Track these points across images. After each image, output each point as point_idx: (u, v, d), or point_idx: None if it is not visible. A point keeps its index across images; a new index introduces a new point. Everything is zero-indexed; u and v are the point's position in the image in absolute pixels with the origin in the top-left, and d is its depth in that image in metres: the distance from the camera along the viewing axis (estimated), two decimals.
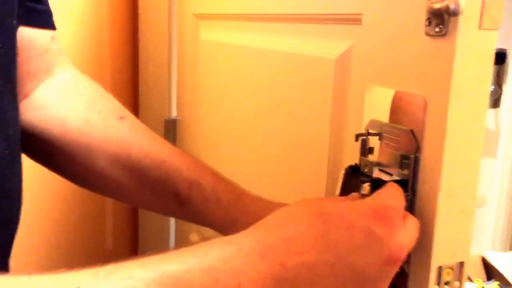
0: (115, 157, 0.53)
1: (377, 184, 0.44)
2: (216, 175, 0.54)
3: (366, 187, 0.45)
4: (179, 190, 0.52)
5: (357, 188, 0.46)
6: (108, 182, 0.54)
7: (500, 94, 1.55)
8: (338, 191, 0.51)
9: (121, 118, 0.55)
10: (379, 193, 0.41)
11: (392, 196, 0.40)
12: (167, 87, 1.05)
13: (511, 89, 1.58)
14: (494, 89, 1.53)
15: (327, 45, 0.57)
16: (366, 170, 0.48)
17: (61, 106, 0.54)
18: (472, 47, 0.38)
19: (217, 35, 0.86)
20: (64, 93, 0.55)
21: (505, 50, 1.52)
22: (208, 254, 0.33)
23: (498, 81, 1.53)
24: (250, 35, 0.75)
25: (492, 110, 1.59)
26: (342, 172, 0.50)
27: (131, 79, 1.18)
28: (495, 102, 1.56)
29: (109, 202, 1.19)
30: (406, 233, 0.38)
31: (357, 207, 0.37)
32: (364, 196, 0.44)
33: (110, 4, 1.11)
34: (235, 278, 0.32)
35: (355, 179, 0.48)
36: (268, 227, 0.36)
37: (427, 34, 0.40)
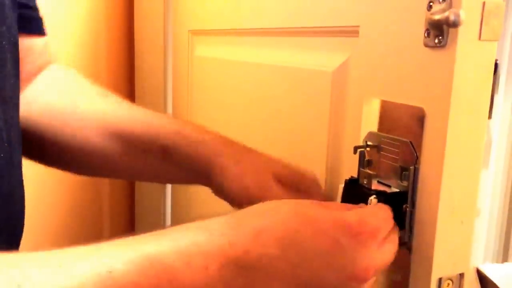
0: (104, 128, 0.55)
1: (383, 197, 0.44)
2: (198, 125, 0.58)
3: (373, 200, 0.44)
4: (166, 142, 0.54)
5: (358, 201, 0.45)
6: (102, 156, 0.56)
7: (492, 105, 1.55)
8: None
9: (105, 95, 0.58)
10: (363, 209, 0.41)
11: (375, 215, 0.39)
12: (162, 102, 1.05)
13: (503, 100, 1.59)
14: None
15: (324, 58, 0.56)
16: (365, 182, 0.48)
17: (47, 92, 0.56)
18: (472, 58, 0.38)
19: (212, 51, 0.86)
20: (49, 81, 0.57)
21: (496, 59, 1.53)
22: (183, 238, 0.34)
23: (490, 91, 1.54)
24: (246, 50, 0.74)
25: None
26: (341, 185, 0.49)
27: (127, 95, 1.17)
28: (488, 112, 1.56)
29: (105, 205, 1.18)
30: (378, 254, 0.38)
31: (335, 217, 0.37)
32: None
33: (106, 21, 1.10)
34: (204, 261, 0.33)
35: (355, 192, 0.47)
36: (248, 215, 0.37)
37: (426, 46, 0.40)
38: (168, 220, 1.11)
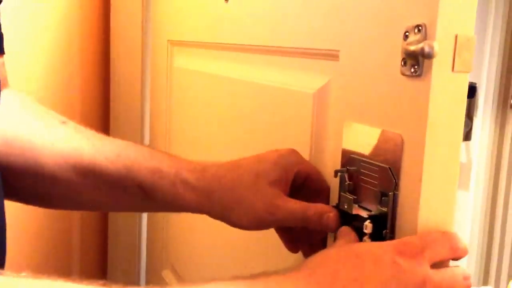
0: (64, 160, 0.52)
1: (377, 220, 0.45)
2: (174, 158, 0.55)
3: (368, 225, 0.46)
4: (142, 180, 0.52)
5: (354, 228, 0.47)
6: (63, 189, 0.53)
7: (471, 127, 1.60)
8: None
9: (63, 122, 0.55)
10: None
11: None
12: (140, 115, 1.04)
13: (481, 122, 1.64)
14: (465, 122, 1.57)
15: (305, 79, 0.58)
16: (345, 207, 0.49)
17: (1, 120, 0.53)
18: (446, 88, 0.40)
19: (192, 63, 0.86)
20: (4, 108, 0.54)
21: (475, 84, 1.58)
22: None
23: (469, 114, 1.58)
24: (228, 64, 0.75)
25: (463, 143, 1.64)
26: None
27: (102, 106, 1.17)
28: (466, 135, 1.61)
29: (76, 238, 1.17)
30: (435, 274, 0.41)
31: (380, 244, 0.42)
32: (365, 234, 0.46)
33: (81, 28, 1.10)
34: None
35: (347, 217, 0.49)
36: (309, 272, 0.41)
37: (403, 74, 0.42)
38: (143, 265, 1.10)
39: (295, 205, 0.50)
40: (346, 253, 0.43)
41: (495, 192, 1.74)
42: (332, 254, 0.43)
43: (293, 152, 0.54)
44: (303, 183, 0.54)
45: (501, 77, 1.67)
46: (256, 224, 0.51)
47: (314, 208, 0.50)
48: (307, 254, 0.55)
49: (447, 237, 0.43)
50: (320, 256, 0.43)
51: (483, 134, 1.66)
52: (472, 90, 1.56)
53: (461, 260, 0.46)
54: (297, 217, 0.50)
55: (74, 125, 0.55)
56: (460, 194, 1.68)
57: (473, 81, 1.57)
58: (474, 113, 1.59)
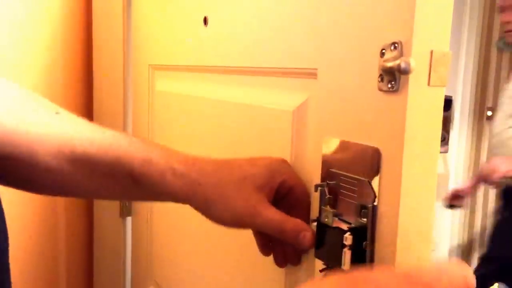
0: (58, 150, 0.52)
1: (357, 232, 0.45)
2: (166, 148, 0.55)
3: (348, 237, 0.45)
4: (132, 169, 0.52)
5: (334, 239, 0.47)
6: (56, 178, 0.53)
7: (448, 140, 1.62)
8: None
9: (57, 113, 0.55)
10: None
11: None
12: None
13: (457, 135, 1.66)
14: (442, 135, 1.59)
15: (285, 97, 0.58)
16: (326, 220, 0.49)
17: None
18: (422, 102, 0.41)
19: (173, 86, 0.87)
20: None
21: (451, 97, 1.61)
22: None
23: (445, 127, 1.60)
24: (208, 86, 0.76)
25: (441, 155, 1.66)
26: (314, 224, 0.51)
27: None
28: (444, 147, 1.62)
29: (62, 253, 1.15)
30: None
31: (388, 273, 0.39)
32: (345, 246, 0.45)
33: (63, 52, 1.10)
34: None
35: (329, 230, 0.49)
36: None
37: (380, 90, 0.43)
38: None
39: (275, 215, 0.51)
40: (348, 281, 0.39)
41: (472, 202, 1.76)
42: (333, 282, 0.40)
43: (283, 161, 0.55)
44: (287, 194, 0.54)
45: (476, 90, 1.70)
46: (234, 222, 0.52)
47: (293, 223, 0.51)
48: (278, 261, 0.56)
49: (462, 269, 0.39)
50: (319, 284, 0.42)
51: (460, 145, 1.69)
52: (448, 103, 1.58)
53: None
54: (274, 227, 0.51)
55: (68, 115, 0.55)
56: (439, 205, 1.70)
57: (449, 94, 1.60)
58: (451, 125, 1.61)
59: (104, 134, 0.54)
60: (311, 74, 0.52)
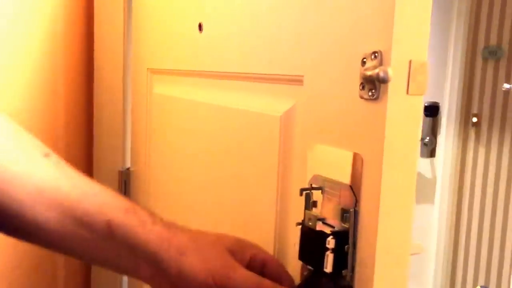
0: (38, 192, 0.47)
1: (340, 236, 0.45)
2: (143, 208, 0.52)
3: (331, 241, 0.45)
4: (113, 217, 0.48)
5: (317, 243, 0.47)
6: (33, 225, 0.48)
7: (435, 145, 1.62)
8: (297, 247, 0.51)
9: (46, 155, 0.50)
10: None
11: None
12: (121, 138, 1.04)
13: (444, 139, 1.66)
14: (430, 139, 1.60)
15: (273, 103, 0.58)
16: (310, 224, 0.49)
17: None
18: (401, 110, 0.41)
19: (170, 89, 0.87)
20: None
21: (438, 103, 1.61)
22: None
23: (433, 132, 1.61)
24: (201, 90, 0.76)
25: (428, 160, 1.66)
26: (299, 227, 0.50)
27: (85, 131, 1.16)
28: (431, 152, 1.63)
29: (60, 267, 1.15)
30: None
31: None
32: (328, 249, 0.45)
33: (65, 57, 1.10)
34: None
35: (312, 234, 0.49)
36: None
37: (361, 97, 0.43)
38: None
39: (252, 273, 0.49)
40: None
41: (459, 205, 1.76)
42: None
43: (249, 241, 0.54)
44: (262, 269, 0.52)
45: (462, 97, 1.71)
46: (208, 275, 0.48)
47: (271, 282, 0.49)
48: None
49: None
50: None
51: (446, 150, 1.69)
52: (435, 110, 1.58)
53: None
54: (251, 283, 0.48)
55: (56, 160, 0.50)
56: (426, 207, 1.70)
57: (436, 101, 1.60)
58: (438, 131, 1.61)
59: (93, 184, 0.50)
60: (298, 80, 0.52)
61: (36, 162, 0.49)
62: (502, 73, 1.57)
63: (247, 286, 0.48)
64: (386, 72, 0.38)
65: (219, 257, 0.49)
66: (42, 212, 0.47)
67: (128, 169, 1.03)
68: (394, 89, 0.40)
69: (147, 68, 0.94)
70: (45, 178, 0.48)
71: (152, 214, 0.51)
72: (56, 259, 1.15)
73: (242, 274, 0.49)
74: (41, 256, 1.12)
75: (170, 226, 0.51)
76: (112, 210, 0.49)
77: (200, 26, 0.73)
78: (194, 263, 0.48)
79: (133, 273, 0.51)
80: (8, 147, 0.48)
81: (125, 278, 1.08)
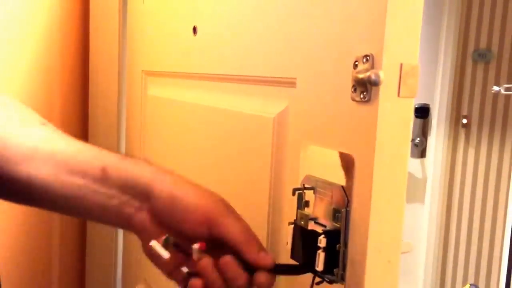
0: (33, 150, 0.48)
1: (332, 235, 0.45)
2: (148, 166, 0.51)
3: (322, 240, 0.45)
4: (108, 162, 0.49)
5: (309, 242, 0.47)
6: (37, 188, 0.49)
7: (426, 145, 1.63)
8: (289, 246, 0.51)
9: (44, 123, 0.52)
10: None
11: None
12: (116, 139, 1.04)
13: (435, 140, 1.67)
14: (420, 140, 1.61)
15: (266, 105, 0.58)
16: (302, 223, 0.49)
17: None
18: (392, 112, 0.41)
19: (164, 91, 0.87)
20: None
21: (428, 105, 1.61)
22: None
23: (424, 133, 1.61)
24: (196, 92, 0.76)
25: (418, 160, 1.67)
26: (290, 226, 0.51)
27: (80, 132, 1.16)
28: (422, 152, 1.63)
29: (56, 251, 1.14)
30: None
31: None
32: (320, 248, 0.46)
33: (61, 58, 1.10)
34: None
35: (304, 232, 0.49)
36: None
37: (353, 100, 0.43)
38: (119, 278, 1.09)
39: (241, 226, 0.48)
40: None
41: (449, 205, 1.77)
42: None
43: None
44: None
45: (452, 98, 1.72)
46: (198, 207, 0.48)
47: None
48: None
49: None
50: None
51: (437, 151, 1.69)
52: (425, 111, 1.59)
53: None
54: (243, 231, 0.48)
55: (53, 128, 0.52)
56: (417, 207, 1.71)
57: (427, 102, 1.61)
58: (428, 132, 1.62)
59: (87, 144, 0.52)
60: (291, 83, 0.52)
61: (32, 127, 0.51)
62: (491, 75, 1.58)
63: (240, 230, 0.47)
64: (377, 75, 0.38)
65: (214, 201, 0.49)
66: (36, 167, 0.48)
67: None
68: (386, 92, 0.40)
69: (142, 70, 0.94)
70: (41, 139, 0.50)
71: (150, 161, 0.51)
72: (51, 256, 1.14)
73: (238, 218, 0.48)
74: (36, 254, 1.12)
75: (167, 170, 0.50)
76: (107, 157, 0.50)
77: (194, 29, 0.73)
78: (189, 193, 0.48)
79: (118, 215, 0.49)
80: (7, 114, 0.50)
81: (119, 277, 1.08)
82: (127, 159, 0.51)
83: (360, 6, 0.42)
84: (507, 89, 1.50)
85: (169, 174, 0.50)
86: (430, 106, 1.56)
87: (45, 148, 0.49)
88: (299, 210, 0.50)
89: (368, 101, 0.41)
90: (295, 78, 0.51)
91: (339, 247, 0.45)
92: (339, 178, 0.46)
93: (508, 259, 1.51)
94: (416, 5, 0.40)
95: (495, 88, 1.47)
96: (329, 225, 0.47)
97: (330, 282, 0.44)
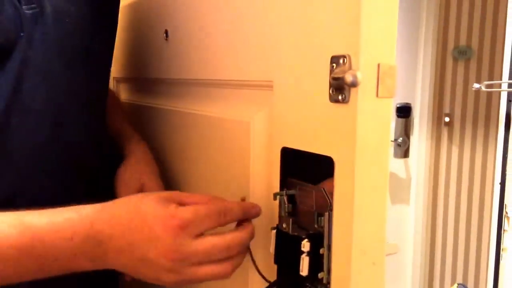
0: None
1: (315, 239, 0.46)
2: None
3: (306, 244, 0.46)
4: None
5: (292, 246, 0.47)
6: None
7: (409, 145, 1.65)
8: (272, 250, 0.52)
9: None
10: (190, 207, 0.48)
11: (193, 212, 0.47)
12: None
13: (417, 140, 1.69)
14: (403, 140, 1.63)
15: (243, 109, 0.59)
16: (284, 226, 0.50)
17: None
18: (371, 112, 0.42)
19: (138, 97, 0.87)
20: None
21: (410, 104, 1.63)
22: (59, 215, 0.46)
23: (406, 132, 1.63)
24: (170, 98, 0.76)
25: (402, 160, 1.69)
26: (273, 231, 0.51)
27: None
28: (405, 152, 1.65)
29: None
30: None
31: (160, 213, 0.46)
32: (303, 253, 0.46)
33: None
34: (70, 233, 0.46)
35: (287, 237, 0.49)
36: (114, 204, 0.49)
37: (332, 101, 0.43)
38: None
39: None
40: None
41: (434, 205, 1.79)
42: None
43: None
44: None
45: (434, 97, 1.74)
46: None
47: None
48: None
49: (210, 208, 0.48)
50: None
51: (420, 151, 1.71)
52: (407, 110, 1.61)
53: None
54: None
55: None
56: (402, 208, 1.72)
57: (408, 101, 1.63)
58: (411, 131, 1.64)
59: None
60: (267, 86, 0.53)
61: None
62: (472, 72, 1.61)
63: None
64: (355, 76, 0.39)
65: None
66: None
67: None
68: (364, 93, 0.41)
69: (113, 77, 0.94)
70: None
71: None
72: None
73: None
74: None
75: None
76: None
77: (166, 33, 0.73)
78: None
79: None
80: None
81: None
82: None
83: (335, 7, 0.42)
84: (487, 86, 1.53)
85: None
86: (412, 105, 1.58)
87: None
88: (281, 215, 0.51)
89: (346, 102, 0.42)
90: (272, 81, 0.52)
91: (323, 250, 0.46)
92: (320, 181, 0.47)
93: (495, 258, 1.54)
94: (391, 4, 0.41)
95: (476, 85, 1.50)
96: (312, 229, 0.48)
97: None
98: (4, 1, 0.53)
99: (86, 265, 0.47)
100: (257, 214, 0.51)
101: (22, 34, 0.55)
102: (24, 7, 0.55)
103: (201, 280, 0.47)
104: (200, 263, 0.46)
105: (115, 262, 0.47)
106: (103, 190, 0.70)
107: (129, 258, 0.46)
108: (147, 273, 0.46)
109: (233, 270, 0.49)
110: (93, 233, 0.46)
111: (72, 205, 0.47)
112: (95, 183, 0.68)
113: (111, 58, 0.72)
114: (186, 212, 0.46)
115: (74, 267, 0.47)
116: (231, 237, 0.48)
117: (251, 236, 0.50)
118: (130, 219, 0.46)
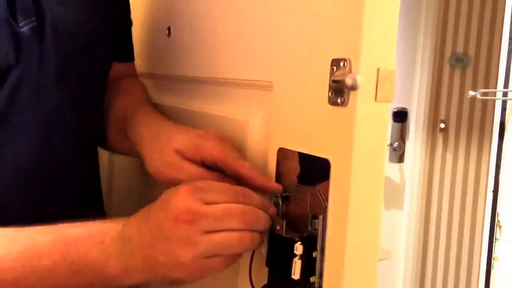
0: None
1: (308, 242, 0.46)
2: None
3: (299, 247, 0.46)
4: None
5: (285, 249, 0.47)
6: None
7: (404, 150, 1.66)
8: (264, 254, 0.51)
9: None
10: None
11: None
12: None
13: (413, 145, 1.70)
14: (398, 145, 1.64)
15: (242, 108, 0.59)
16: (277, 228, 0.49)
17: None
18: (369, 116, 0.42)
19: None
20: None
21: (406, 109, 1.64)
22: (93, 224, 0.50)
23: (402, 137, 1.64)
24: (170, 94, 0.75)
25: (397, 165, 1.69)
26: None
27: None
28: (400, 157, 1.66)
29: None
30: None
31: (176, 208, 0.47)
32: (296, 256, 0.46)
33: None
34: (102, 236, 0.48)
35: (281, 240, 0.49)
36: (145, 209, 0.50)
37: (330, 104, 0.43)
38: None
39: (200, 172, 0.53)
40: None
41: (427, 211, 1.80)
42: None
43: (215, 138, 0.55)
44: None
45: (430, 103, 1.75)
46: (159, 175, 0.57)
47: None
48: None
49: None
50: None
51: (415, 156, 1.73)
52: (404, 115, 1.62)
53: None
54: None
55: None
56: (395, 213, 1.73)
57: (404, 106, 1.64)
58: (406, 136, 1.65)
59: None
60: (267, 86, 0.53)
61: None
62: (468, 80, 1.62)
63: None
64: (354, 80, 0.39)
65: (161, 160, 0.57)
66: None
67: None
68: (363, 96, 0.41)
69: None
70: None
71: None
72: None
73: (186, 172, 0.54)
74: None
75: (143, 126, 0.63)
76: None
77: (169, 30, 0.73)
78: (149, 162, 0.59)
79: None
80: None
81: None
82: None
83: (337, 10, 0.43)
84: (483, 94, 1.54)
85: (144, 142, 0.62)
86: (408, 110, 1.59)
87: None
88: (275, 216, 0.50)
89: (345, 105, 0.42)
90: (272, 82, 0.52)
91: (316, 254, 0.46)
92: (316, 183, 0.47)
93: (486, 264, 1.55)
94: (392, 9, 0.41)
95: (471, 93, 1.51)
96: (306, 231, 0.47)
97: None
98: None
99: (114, 272, 0.48)
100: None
101: (20, 52, 0.53)
102: (21, 23, 0.53)
103: (216, 250, 0.46)
104: (214, 229, 0.45)
105: (137, 258, 0.47)
106: (95, 206, 0.70)
107: (148, 233, 0.47)
108: (164, 252, 0.46)
109: (253, 242, 0.47)
110: (122, 233, 0.48)
111: (64, 222, 0.49)
112: (86, 198, 0.67)
113: (111, 63, 0.70)
114: (198, 181, 0.48)
115: (104, 276, 0.48)
116: (245, 205, 0.47)
117: (270, 213, 0.49)
118: (152, 216, 0.48)
